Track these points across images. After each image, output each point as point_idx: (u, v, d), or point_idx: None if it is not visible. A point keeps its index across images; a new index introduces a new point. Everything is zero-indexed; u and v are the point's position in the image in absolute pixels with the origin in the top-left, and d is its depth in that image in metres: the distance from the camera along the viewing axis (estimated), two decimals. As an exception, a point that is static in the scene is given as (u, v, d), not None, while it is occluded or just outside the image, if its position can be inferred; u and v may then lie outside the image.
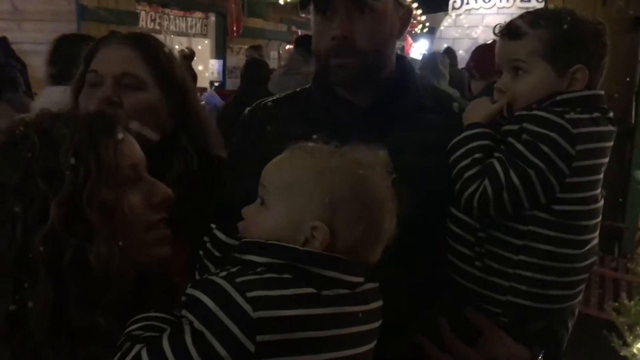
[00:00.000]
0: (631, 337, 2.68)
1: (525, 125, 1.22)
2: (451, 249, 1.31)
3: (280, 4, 9.07)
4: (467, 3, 13.29)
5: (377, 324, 0.94)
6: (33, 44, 6.19)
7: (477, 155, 1.25)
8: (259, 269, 0.85)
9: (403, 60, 1.48)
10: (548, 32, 1.25)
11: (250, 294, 0.79)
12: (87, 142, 0.91)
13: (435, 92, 1.52)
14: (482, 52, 3.99)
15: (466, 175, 1.24)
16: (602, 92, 1.29)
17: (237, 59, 8.91)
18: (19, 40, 6.22)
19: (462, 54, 12.61)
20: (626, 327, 2.73)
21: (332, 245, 0.89)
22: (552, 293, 1.24)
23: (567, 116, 1.20)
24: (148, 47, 1.41)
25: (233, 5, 7.84)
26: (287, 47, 10.40)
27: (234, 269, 0.85)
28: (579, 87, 1.26)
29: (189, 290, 0.85)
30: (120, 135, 0.97)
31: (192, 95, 1.50)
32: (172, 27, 8.21)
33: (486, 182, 1.21)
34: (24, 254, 0.87)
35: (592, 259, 1.29)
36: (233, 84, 7.73)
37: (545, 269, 1.23)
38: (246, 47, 9.22)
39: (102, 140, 0.93)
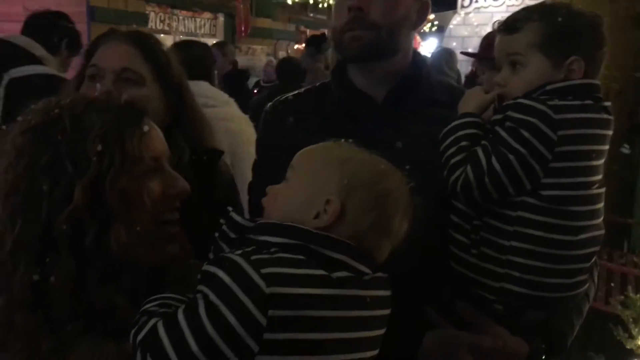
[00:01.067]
0: (636, 330, 2.69)
1: (509, 113, 1.25)
2: (451, 238, 1.33)
3: (288, 4, 9.11)
4: (476, 1, 13.20)
5: (385, 312, 0.97)
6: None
7: (463, 143, 1.28)
8: (272, 249, 0.88)
9: (419, 56, 1.53)
10: (543, 24, 1.27)
11: (264, 271, 0.83)
12: (114, 132, 0.96)
13: (450, 88, 1.56)
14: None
15: (452, 162, 1.28)
16: (597, 82, 1.30)
17: (246, 59, 8.95)
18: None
19: (472, 52, 12.59)
20: (631, 320, 2.74)
21: (339, 224, 0.93)
22: (547, 281, 1.25)
23: (549, 102, 1.22)
24: (147, 44, 1.47)
25: (241, 6, 7.89)
26: (296, 46, 10.44)
27: (249, 249, 0.89)
28: (575, 78, 1.27)
29: (205, 267, 0.88)
30: (146, 128, 1.01)
31: (187, 93, 1.56)
32: (181, 28, 8.25)
33: (468, 168, 1.25)
34: (48, 231, 0.91)
35: (593, 249, 1.28)
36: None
37: (538, 255, 1.23)
38: (255, 46, 9.27)
39: (128, 131, 0.97)
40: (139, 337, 0.85)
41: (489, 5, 13.20)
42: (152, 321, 0.85)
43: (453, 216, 1.34)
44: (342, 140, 1.03)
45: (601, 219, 1.30)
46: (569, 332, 1.38)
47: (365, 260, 0.94)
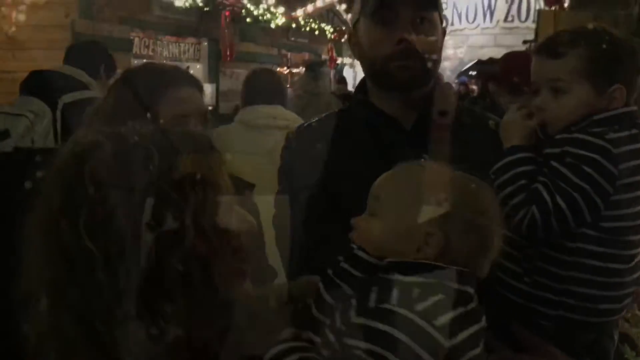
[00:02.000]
0: (645, 348, 2.71)
1: (567, 148, 1.24)
2: (498, 265, 1.33)
3: (271, 28, 9.17)
4: (452, 24, 13.53)
5: None
6: (27, 73, 6.17)
7: (522, 182, 1.27)
8: (416, 291, 0.87)
9: (441, 81, 1.55)
10: (588, 51, 1.26)
11: (437, 323, 0.83)
12: (202, 161, 0.86)
13: (470, 111, 1.62)
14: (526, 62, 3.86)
15: (513, 202, 1.26)
16: (636, 108, 1.31)
17: (230, 82, 8.96)
18: (14, 69, 6.21)
19: (449, 74, 12.86)
20: (639, 338, 2.76)
21: (445, 255, 0.92)
22: (600, 307, 1.27)
23: (607, 137, 1.22)
24: (200, 83, 1.62)
25: (226, 31, 7.93)
26: (278, 69, 10.52)
27: (399, 293, 0.87)
28: (617, 106, 1.28)
29: (363, 321, 0.85)
30: (229, 157, 0.93)
31: None
32: (165, 53, 8.24)
33: (534, 209, 1.23)
34: (156, 271, 0.79)
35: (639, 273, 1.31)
36: (227, 107, 7.76)
37: (594, 284, 1.25)
38: (238, 70, 9.30)
39: (214, 161, 0.89)
40: None
41: (465, 28, 13.55)
42: None
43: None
44: (421, 160, 1.03)
45: None
46: (611, 347, 1.41)
47: (475, 285, 0.94)
